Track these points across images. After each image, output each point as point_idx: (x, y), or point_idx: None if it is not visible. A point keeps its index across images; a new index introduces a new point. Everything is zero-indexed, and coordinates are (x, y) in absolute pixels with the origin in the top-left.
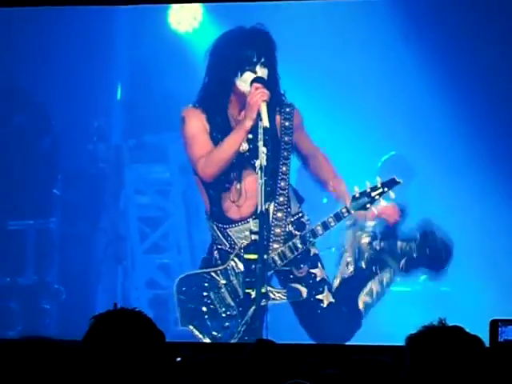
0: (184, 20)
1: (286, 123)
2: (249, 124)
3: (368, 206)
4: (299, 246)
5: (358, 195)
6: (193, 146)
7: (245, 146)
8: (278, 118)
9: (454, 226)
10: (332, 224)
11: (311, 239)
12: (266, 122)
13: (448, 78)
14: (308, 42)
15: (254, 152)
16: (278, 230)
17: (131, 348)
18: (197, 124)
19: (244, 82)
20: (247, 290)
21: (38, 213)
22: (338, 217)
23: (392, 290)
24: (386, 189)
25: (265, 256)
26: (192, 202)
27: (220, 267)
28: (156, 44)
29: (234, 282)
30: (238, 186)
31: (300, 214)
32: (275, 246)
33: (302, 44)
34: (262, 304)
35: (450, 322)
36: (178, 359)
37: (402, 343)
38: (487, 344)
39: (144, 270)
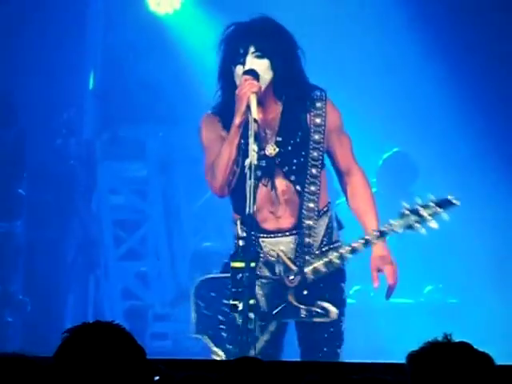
0: (164, 1)
1: (317, 120)
2: (238, 119)
3: (417, 225)
4: (336, 262)
5: (407, 212)
6: (205, 158)
7: (272, 150)
8: (307, 116)
9: (461, 231)
10: (374, 242)
11: (349, 255)
12: (254, 114)
13: (453, 72)
14: (304, 32)
15: (283, 156)
16: (307, 240)
17: (108, 365)
18: (210, 134)
19: (237, 76)
20: (233, 302)
21: (1, 215)
22: (382, 234)
23: (392, 302)
24: (439, 209)
25: (252, 264)
26: (172, 203)
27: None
28: (133, 28)
29: (259, 293)
30: (274, 196)
31: (336, 244)
32: (307, 257)
33: (297, 33)
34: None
35: (458, 337)
36: (157, 378)
37: (404, 360)
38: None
39: (119, 278)
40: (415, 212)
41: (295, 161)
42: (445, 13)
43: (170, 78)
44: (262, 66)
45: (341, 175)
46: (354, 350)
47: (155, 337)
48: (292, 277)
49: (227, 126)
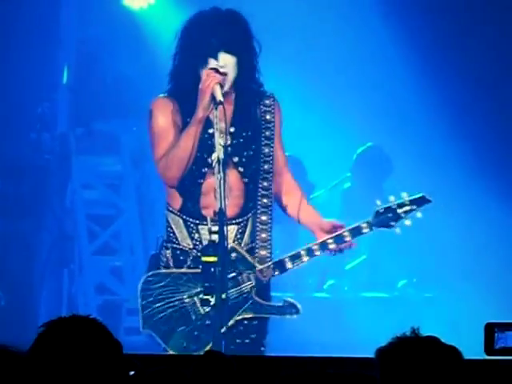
0: None
1: (267, 116)
2: (202, 113)
3: (392, 223)
4: (304, 258)
5: (382, 210)
6: (156, 145)
7: (227, 139)
8: (257, 111)
9: (436, 225)
10: (347, 239)
11: (318, 252)
12: (219, 97)
13: (429, 67)
14: (279, 28)
15: (236, 147)
16: (263, 235)
17: (85, 359)
18: (165, 119)
19: (206, 68)
20: (205, 297)
21: None
22: (357, 232)
23: (366, 296)
24: (414, 206)
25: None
26: (146, 198)
27: (192, 270)
28: (107, 22)
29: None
30: (215, 183)
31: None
32: (262, 252)
33: (273, 30)
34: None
35: (432, 331)
36: (132, 373)
37: (373, 355)
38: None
39: (93, 273)
40: (390, 211)
41: (245, 153)
42: (420, 9)
43: (144, 73)
44: (231, 62)
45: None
46: (329, 345)
47: (129, 331)
48: (265, 272)
49: (185, 112)
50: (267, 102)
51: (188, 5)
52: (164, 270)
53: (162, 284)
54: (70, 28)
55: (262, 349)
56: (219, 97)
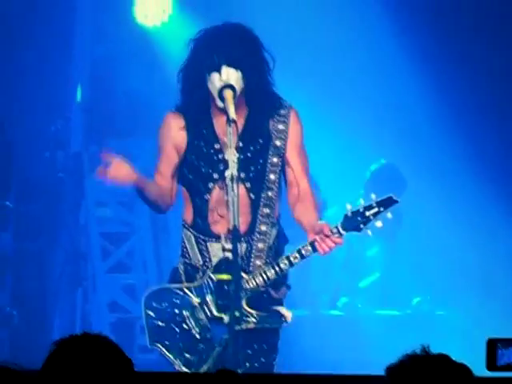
0: (152, 13)
1: (280, 126)
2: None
3: (361, 226)
4: (283, 266)
5: (350, 214)
6: (158, 160)
7: (233, 155)
8: (270, 121)
9: (450, 242)
10: (321, 247)
11: (296, 261)
12: (232, 115)
13: (440, 81)
14: (290, 42)
15: (243, 162)
16: (260, 245)
17: (96, 377)
18: (168, 133)
19: (211, 83)
20: (219, 315)
21: None
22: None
23: (380, 314)
24: (381, 208)
25: (242, 275)
26: (160, 215)
27: (195, 283)
28: (120, 40)
29: (209, 301)
30: (229, 200)
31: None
32: (257, 262)
33: (283, 41)
34: (236, 329)
35: (444, 349)
36: None
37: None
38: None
39: (106, 291)
40: (359, 214)
41: (252, 168)
42: (430, 23)
43: (158, 90)
44: (235, 76)
45: (289, 187)
46: (342, 362)
47: (143, 349)
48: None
49: (190, 128)
50: (282, 111)
51: (201, 22)
52: (165, 285)
53: (163, 299)
54: (83, 46)
55: (274, 366)
56: (232, 115)
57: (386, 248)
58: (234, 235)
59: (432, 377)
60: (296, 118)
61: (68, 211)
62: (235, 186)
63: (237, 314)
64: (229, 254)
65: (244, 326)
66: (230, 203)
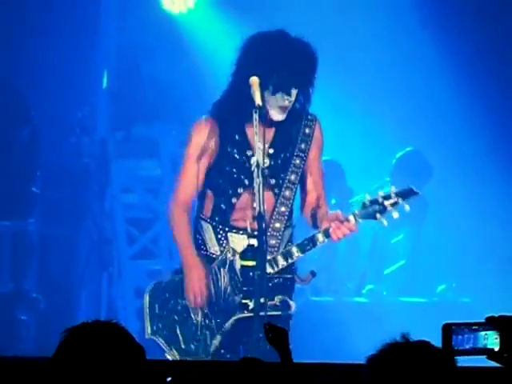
0: None
1: (306, 130)
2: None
3: (378, 215)
4: (295, 253)
5: (367, 203)
6: (183, 164)
7: (265, 161)
8: (299, 129)
9: (476, 230)
10: (336, 234)
11: (309, 247)
12: (258, 100)
13: (464, 70)
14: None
15: (274, 169)
16: (272, 241)
17: (107, 364)
18: (197, 142)
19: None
20: (244, 301)
21: (15, 213)
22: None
23: (405, 301)
24: (400, 199)
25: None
26: None
27: (216, 271)
28: (146, 26)
29: (215, 289)
30: (254, 204)
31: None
32: (268, 257)
33: (309, 35)
34: (246, 315)
35: None
36: (169, 379)
37: None
38: None
39: (132, 276)
40: (377, 202)
41: (282, 175)
42: (455, 13)
43: (184, 77)
44: (294, 94)
45: (304, 194)
46: (366, 350)
47: None
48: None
49: (223, 136)
50: (310, 117)
51: (227, 9)
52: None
53: (166, 290)
54: (109, 32)
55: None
56: (258, 100)
57: (411, 235)
58: (259, 222)
59: (412, 363)
60: (320, 129)
61: (93, 197)
62: (260, 173)
63: (262, 300)
64: (254, 241)
65: (268, 313)
66: (255, 190)
